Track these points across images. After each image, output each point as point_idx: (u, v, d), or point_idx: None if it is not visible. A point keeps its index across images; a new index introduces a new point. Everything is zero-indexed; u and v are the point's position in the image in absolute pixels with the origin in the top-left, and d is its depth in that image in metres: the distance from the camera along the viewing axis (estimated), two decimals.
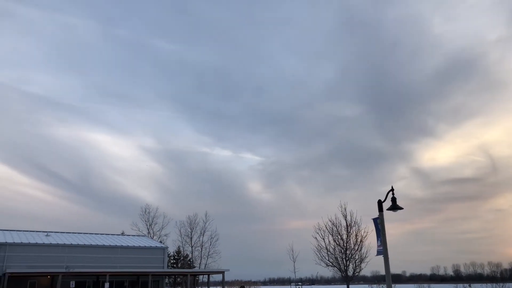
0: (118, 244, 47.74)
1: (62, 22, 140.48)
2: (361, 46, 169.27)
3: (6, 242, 40.99)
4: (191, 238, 71.00)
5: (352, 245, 40.53)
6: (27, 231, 47.83)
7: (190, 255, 70.97)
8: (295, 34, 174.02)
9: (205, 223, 71.32)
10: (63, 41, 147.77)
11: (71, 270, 39.12)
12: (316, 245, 41.78)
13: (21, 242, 41.99)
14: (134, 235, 59.53)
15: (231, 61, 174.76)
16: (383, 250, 14.50)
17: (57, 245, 43.57)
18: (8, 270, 38.16)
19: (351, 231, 40.88)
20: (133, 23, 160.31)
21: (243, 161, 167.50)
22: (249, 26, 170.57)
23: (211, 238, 70.09)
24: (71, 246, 44.18)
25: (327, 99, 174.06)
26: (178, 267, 69.53)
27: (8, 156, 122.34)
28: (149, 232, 69.40)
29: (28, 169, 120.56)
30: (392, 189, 14.86)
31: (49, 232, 48.21)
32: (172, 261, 71.07)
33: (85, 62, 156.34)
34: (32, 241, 43.18)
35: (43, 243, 43.30)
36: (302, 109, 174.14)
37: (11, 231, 46.52)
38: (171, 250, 69.20)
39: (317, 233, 42.19)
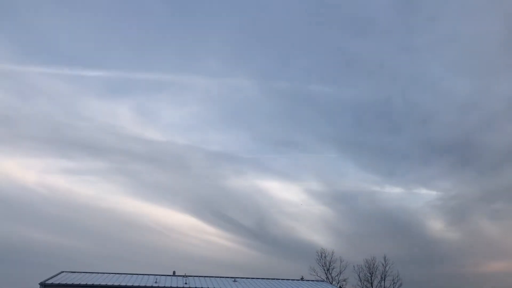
0: None
1: (230, 84, 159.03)
2: None
3: (202, 287, 45.53)
4: (371, 283, 67.77)
5: None
6: (217, 277, 52.26)
7: None
8: (459, 53, 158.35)
9: (385, 267, 67.52)
10: (232, 102, 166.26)
11: None
12: None
13: (214, 287, 46.03)
14: (313, 280, 59.56)
15: (391, 92, 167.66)
16: None
17: None
18: None
19: None
20: (288, 74, 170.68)
21: (417, 197, 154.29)
22: (405, 53, 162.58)
23: (394, 283, 65.80)
24: None
25: (510, 118, 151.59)
26: None
27: (196, 208, 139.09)
28: (327, 277, 68.77)
29: (213, 220, 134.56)
30: None
31: (236, 277, 51.83)
32: None
33: (252, 117, 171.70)
34: (222, 286, 46.91)
35: None
36: (480, 133, 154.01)
37: (205, 277, 51.51)
38: None
39: None
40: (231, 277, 51.92)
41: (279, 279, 54.21)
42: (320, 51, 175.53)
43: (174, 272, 52.41)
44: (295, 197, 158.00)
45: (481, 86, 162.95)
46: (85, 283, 43.37)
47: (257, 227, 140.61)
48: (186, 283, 46.76)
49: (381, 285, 67.44)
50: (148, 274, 50.29)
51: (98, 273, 48.90)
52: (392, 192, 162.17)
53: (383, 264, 68.06)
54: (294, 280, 55.90)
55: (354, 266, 69.43)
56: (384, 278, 67.19)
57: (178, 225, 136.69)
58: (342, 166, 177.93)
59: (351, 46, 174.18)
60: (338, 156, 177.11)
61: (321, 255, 71.06)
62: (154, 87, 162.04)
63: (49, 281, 43.12)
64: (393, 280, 66.11)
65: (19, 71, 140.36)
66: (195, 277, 50.89)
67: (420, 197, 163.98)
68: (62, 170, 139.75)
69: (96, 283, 43.91)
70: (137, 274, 50.12)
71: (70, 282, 43.30)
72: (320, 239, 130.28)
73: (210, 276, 52.19)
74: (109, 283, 44.11)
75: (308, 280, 59.01)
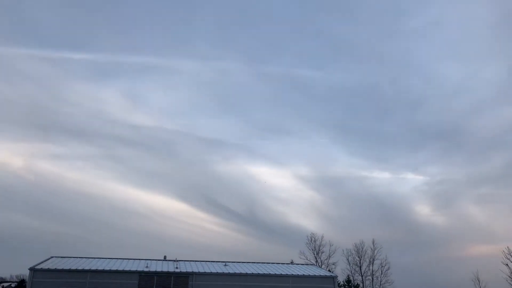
0: (289, 273, 48.84)
1: (218, 68, 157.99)
2: None
3: (193, 272, 45.76)
4: (360, 267, 68.83)
5: None
6: (208, 261, 52.54)
7: (360, 285, 68.43)
8: (449, 37, 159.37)
9: (373, 251, 68.56)
10: (220, 86, 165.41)
11: None
12: (509, 273, 36.07)
13: (205, 272, 46.30)
14: (302, 264, 60.28)
15: (380, 77, 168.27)
16: None
17: (234, 274, 46.72)
18: None
19: None
20: (279, 59, 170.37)
21: (405, 182, 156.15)
22: (394, 38, 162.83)
23: (382, 266, 66.92)
24: (246, 275, 46.85)
25: (500, 103, 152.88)
26: None
27: (186, 194, 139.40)
28: (316, 261, 69.58)
29: (203, 205, 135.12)
30: None
31: (226, 262, 52.17)
32: None
33: (242, 102, 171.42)
34: (213, 270, 47.23)
35: (223, 272, 46.95)
36: (469, 119, 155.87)
37: (195, 262, 51.76)
38: (341, 279, 67.94)
39: (509, 259, 36.49)
40: (222, 262, 52.23)
41: (269, 263, 54.70)
42: (310, 35, 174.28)
43: (165, 257, 52.54)
44: (285, 182, 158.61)
45: (470, 71, 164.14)
46: (74, 268, 43.26)
47: (248, 213, 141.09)
48: (177, 268, 46.94)
49: (369, 269, 68.52)
50: (139, 259, 50.33)
51: (88, 258, 48.81)
52: (380, 177, 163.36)
53: (371, 248, 69.17)
54: (284, 264, 56.46)
55: (343, 250, 70.47)
56: (373, 262, 68.37)
57: (168, 211, 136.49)
58: (332, 151, 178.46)
59: (340, 31, 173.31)
60: (328, 141, 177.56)
61: (311, 240, 71.94)
62: (142, 70, 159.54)
63: (39, 266, 42.96)
64: (381, 263, 67.32)
65: (3, 53, 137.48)
66: (186, 262, 51.08)
67: (408, 182, 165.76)
68: (50, 156, 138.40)
69: (86, 268, 43.83)
70: (128, 258, 50.13)
71: (59, 267, 43.15)
72: (310, 223, 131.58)
73: (201, 261, 52.45)
74: (99, 268, 44.08)
75: (298, 264, 59.66)
